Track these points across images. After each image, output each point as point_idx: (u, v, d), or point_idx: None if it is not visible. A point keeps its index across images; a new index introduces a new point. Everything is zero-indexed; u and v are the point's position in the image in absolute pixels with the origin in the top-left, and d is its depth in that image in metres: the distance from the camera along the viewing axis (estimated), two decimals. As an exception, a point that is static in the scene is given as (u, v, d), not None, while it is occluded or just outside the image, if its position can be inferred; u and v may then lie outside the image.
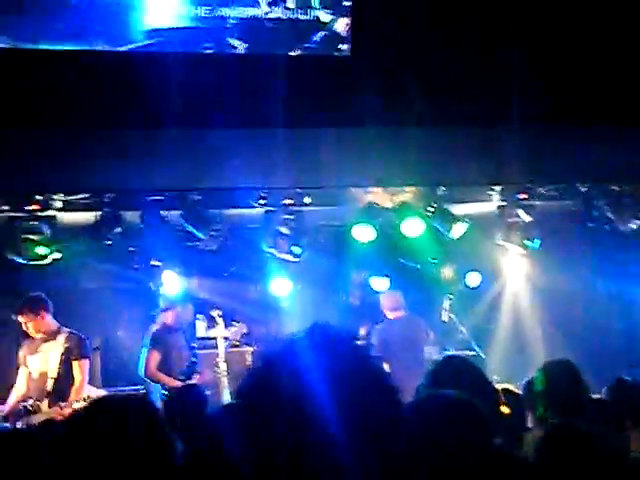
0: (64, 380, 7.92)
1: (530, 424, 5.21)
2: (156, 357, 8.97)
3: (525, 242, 9.84)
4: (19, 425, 7.58)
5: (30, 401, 7.84)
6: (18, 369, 8.19)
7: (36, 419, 7.63)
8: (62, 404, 7.67)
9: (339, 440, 1.43)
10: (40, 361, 8.01)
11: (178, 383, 8.64)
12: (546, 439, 3.28)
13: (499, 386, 4.60)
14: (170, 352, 9.07)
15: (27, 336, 8.14)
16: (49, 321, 8.08)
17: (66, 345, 7.98)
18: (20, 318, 8.03)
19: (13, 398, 8.05)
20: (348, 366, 1.53)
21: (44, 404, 7.79)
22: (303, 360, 1.51)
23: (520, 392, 5.53)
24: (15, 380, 8.19)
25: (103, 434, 2.29)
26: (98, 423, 2.33)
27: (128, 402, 2.57)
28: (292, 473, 1.44)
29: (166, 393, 8.77)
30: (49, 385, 7.89)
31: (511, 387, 5.55)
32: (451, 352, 9.66)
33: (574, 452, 3.16)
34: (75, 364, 7.98)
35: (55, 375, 7.91)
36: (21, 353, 8.16)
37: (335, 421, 1.44)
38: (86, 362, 8.09)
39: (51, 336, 8.04)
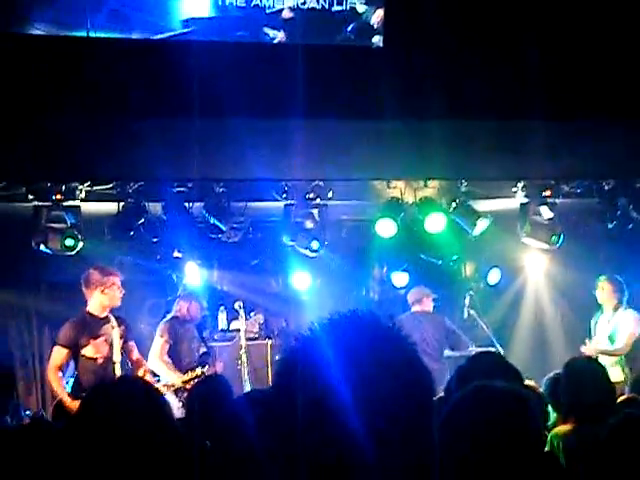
0: (125, 362, 7.84)
1: (552, 420, 5.21)
2: (163, 347, 8.83)
3: (551, 239, 9.77)
4: None
5: None
6: (71, 352, 7.58)
7: None
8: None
9: (375, 429, 1.40)
10: (104, 345, 7.65)
11: (176, 376, 8.53)
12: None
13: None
14: (180, 343, 8.97)
15: (85, 319, 7.74)
16: None
17: (122, 327, 7.79)
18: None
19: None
20: (392, 352, 1.49)
21: None
22: (341, 346, 1.48)
23: (541, 389, 5.52)
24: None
25: (106, 421, 2.23)
26: (99, 411, 2.28)
27: (128, 388, 2.48)
28: (315, 464, 1.42)
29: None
30: (117, 368, 7.67)
31: (532, 384, 5.53)
32: (473, 349, 9.64)
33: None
34: (131, 344, 7.91)
35: (119, 358, 7.71)
36: (74, 335, 7.58)
37: (370, 409, 1.41)
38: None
39: (107, 318, 7.76)
